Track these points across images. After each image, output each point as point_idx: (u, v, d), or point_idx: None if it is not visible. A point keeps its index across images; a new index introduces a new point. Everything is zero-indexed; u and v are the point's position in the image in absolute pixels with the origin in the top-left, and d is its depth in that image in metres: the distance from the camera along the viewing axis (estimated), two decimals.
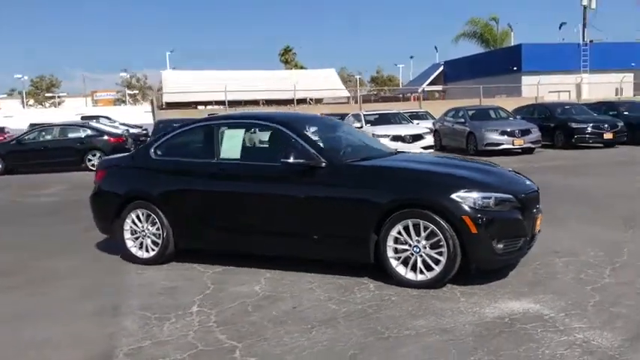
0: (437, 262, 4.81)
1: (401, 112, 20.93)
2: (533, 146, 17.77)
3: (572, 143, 18.74)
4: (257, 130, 6.03)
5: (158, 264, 6.03)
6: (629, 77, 35.51)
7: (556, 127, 19.28)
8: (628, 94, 35.24)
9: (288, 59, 69.67)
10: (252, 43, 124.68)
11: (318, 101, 31.55)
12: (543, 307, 4.33)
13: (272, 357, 3.67)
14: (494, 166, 5.76)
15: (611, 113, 20.60)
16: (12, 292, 5.37)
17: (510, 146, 17.45)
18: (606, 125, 18.70)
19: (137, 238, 6.13)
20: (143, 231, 6.07)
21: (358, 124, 18.67)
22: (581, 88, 35.39)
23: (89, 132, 18.84)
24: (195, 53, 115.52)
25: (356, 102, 29.64)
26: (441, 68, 46.20)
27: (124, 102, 79.17)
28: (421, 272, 4.87)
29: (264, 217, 5.48)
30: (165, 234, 5.93)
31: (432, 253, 4.81)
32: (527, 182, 5.35)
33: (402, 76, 63.52)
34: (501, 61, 37.07)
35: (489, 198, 4.79)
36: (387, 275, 5.06)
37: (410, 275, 4.91)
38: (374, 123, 19.08)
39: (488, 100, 29.67)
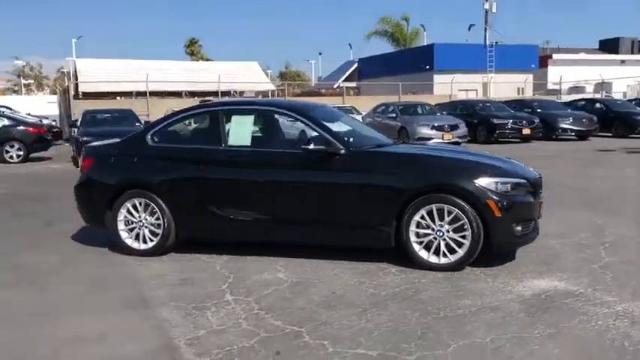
0: (460, 245, 5.00)
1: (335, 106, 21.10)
2: (460, 141, 18.63)
3: (493, 138, 19.86)
4: (274, 116, 5.93)
5: (157, 255, 5.80)
6: (530, 77, 38.07)
7: (478, 122, 20.34)
8: (528, 93, 37.78)
9: (194, 51, 67.98)
10: (155, 34, 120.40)
11: (242, 94, 31.17)
12: (568, 284, 4.63)
13: (343, 339, 3.67)
14: (496, 155, 6.05)
15: (525, 110, 22.03)
16: (12, 290, 4.95)
17: (440, 140, 18.17)
18: (524, 122, 20.00)
19: (132, 229, 5.85)
20: (140, 221, 5.79)
21: None
22: (488, 87, 37.45)
23: (5, 122, 17.46)
24: (98, 42, 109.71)
25: (278, 95, 29.62)
26: (356, 65, 47.18)
27: (15, 92, 73.89)
28: (444, 255, 5.04)
29: (281, 204, 5.42)
30: (166, 224, 5.70)
31: (456, 236, 4.99)
32: (531, 169, 5.68)
33: (313, 71, 64.00)
34: (415, 60, 38.45)
35: (508, 183, 5.04)
36: (404, 259, 5.19)
37: (433, 259, 5.07)
38: None
39: (402, 97, 30.65)
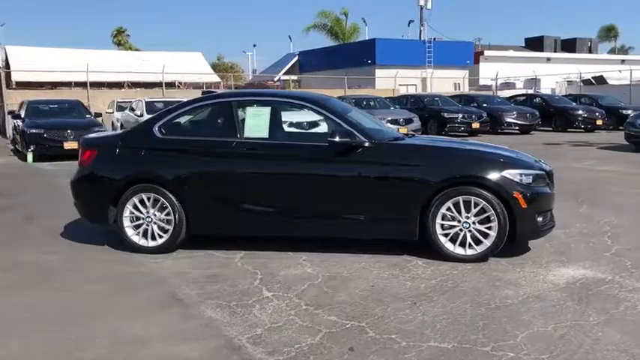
0: (485, 236, 5.07)
1: None
2: (414, 134, 18.93)
3: (444, 132, 20.34)
4: (291, 108, 5.81)
5: (167, 252, 5.56)
6: (467, 73, 39.22)
7: (429, 116, 20.78)
8: (465, 88, 38.91)
9: (121, 41, 65.64)
10: (77, 23, 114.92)
11: (190, 85, 30.34)
12: (595, 272, 4.80)
13: (410, 333, 3.65)
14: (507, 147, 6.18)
15: (471, 105, 22.70)
16: (29, 291, 4.60)
17: None
18: (474, 116, 20.62)
19: (139, 226, 5.58)
20: (149, 217, 5.54)
21: None
22: (427, 82, 38.29)
23: None
24: (15, 30, 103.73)
25: (229, 88, 29.08)
26: (296, 58, 47.00)
27: None
28: (470, 247, 5.11)
29: (303, 197, 5.33)
30: (177, 219, 5.47)
31: (482, 228, 5.06)
32: (542, 161, 5.84)
33: (250, 64, 63.10)
34: (357, 54, 38.65)
35: (530, 175, 5.17)
36: (424, 251, 5.24)
37: (459, 250, 5.12)
38: None
39: (343, 91, 30.82)
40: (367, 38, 41.30)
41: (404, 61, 37.12)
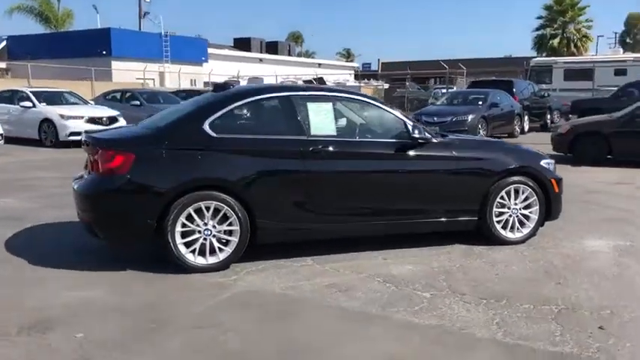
0: (528, 218, 5.72)
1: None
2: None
3: None
4: (348, 105, 5.56)
5: (226, 268, 4.84)
6: (202, 69, 39.48)
7: None
8: (199, 85, 39.14)
9: None
10: None
11: None
12: (612, 241, 5.81)
13: (611, 306, 4.06)
14: None
15: None
16: (171, 337, 3.60)
17: None
18: None
19: (193, 241, 4.73)
20: (207, 229, 4.73)
21: None
22: (164, 77, 37.34)
23: None
24: None
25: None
26: (4, 43, 40.43)
27: None
28: (518, 230, 5.71)
29: (387, 196, 5.23)
30: (243, 230, 4.80)
31: (526, 212, 5.70)
32: None
33: None
34: (87, 43, 35.18)
35: (551, 163, 5.98)
36: (464, 238, 5.68)
37: (509, 235, 5.67)
38: None
39: (75, 83, 28.37)
40: (100, 27, 38.05)
41: (142, 54, 35.50)
